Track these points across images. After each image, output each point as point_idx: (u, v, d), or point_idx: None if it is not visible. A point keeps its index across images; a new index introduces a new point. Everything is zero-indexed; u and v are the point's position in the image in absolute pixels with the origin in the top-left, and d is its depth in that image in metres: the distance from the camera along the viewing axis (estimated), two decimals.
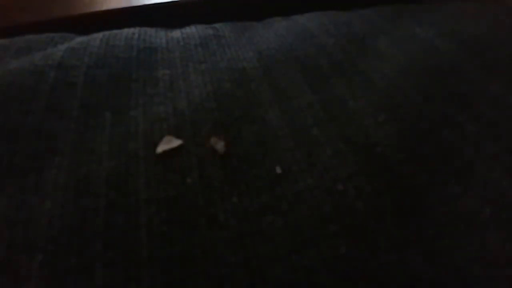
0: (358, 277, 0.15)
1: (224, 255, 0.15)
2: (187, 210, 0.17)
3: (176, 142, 0.20)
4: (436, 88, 0.24)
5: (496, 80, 0.25)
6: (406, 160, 0.19)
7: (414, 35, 0.30)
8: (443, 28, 0.31)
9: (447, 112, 0.22)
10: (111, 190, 0.17)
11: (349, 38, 0.29)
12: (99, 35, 0.28)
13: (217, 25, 0.31)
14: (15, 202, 0.16)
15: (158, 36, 0.29)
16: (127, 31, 0.29)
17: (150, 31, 0.30)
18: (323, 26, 0.31)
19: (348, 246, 0.16)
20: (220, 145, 0.19)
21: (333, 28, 0.31)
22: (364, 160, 0.19)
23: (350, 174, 0.18)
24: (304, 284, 0.15)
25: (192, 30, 0.30)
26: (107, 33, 0.28)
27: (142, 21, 0.31)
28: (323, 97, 0.23)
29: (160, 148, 0.19)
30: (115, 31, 0.29)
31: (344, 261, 0.15)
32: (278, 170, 0.19)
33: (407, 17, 0.33)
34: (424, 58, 0.27)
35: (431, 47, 0.29)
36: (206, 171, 0.18)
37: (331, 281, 0.15)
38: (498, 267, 0.15)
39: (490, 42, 0.29)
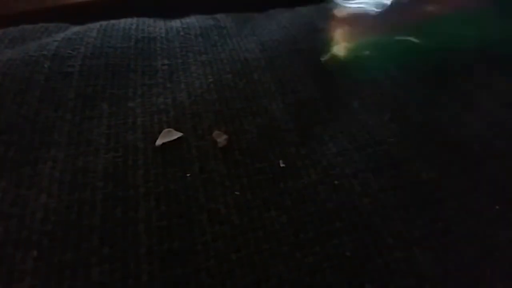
0: (364, 275, 0.14)
1: (225, 251, 0.15)
2: (187, 204, 0.16)
3: (176, 135, 0.19)
4: (442, 87, 0.24)
5: (502, 78, 0.25)
6: (413, 157, 0.19)
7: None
8: None
9: (454, 111, 0.22)
10: (109, 183, 0.17)
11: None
12: (95, 25, 0.27)
13: (218, 16, 0.30)
14: (9, 196, 0.16)
15: (157, 26, 0.28)
16: (124, 21, 0.28)
17: (149, 21, 0.29)
18: (327, 20, 0.30)
19: (353, 243, 0.15)
20: (222, 138, 0.19)
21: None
22: (370, 157, 0.19)
23: (355, 171, 0.18)
24: (308, 282, 0.14)
25: (192, 20, 0.29)
26: (104, 23, 0.28)
27: (139, 11, 0.31)
28: (327, 95, 0.23)
29: (160, 141, 0.19)
30: (112, 21, 0.28)
31: (349, 259, 0.15)
32: (282, 164, 0.18)
33: None
34: (429, 54, 0.27)
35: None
36: (207, 165, 0.18)
37: (336, 279, 0.14)
38: (507, 264, 0.15)
39: (496, 39, 0.29)
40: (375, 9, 0.25)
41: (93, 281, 0.13)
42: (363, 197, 0.17)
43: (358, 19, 0.26)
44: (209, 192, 0.17)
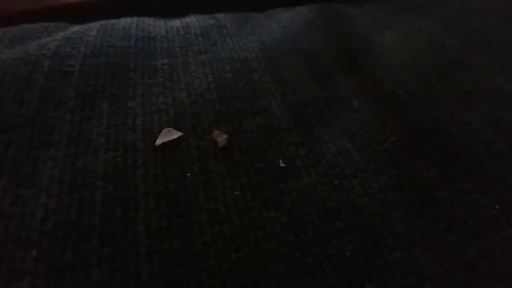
0: (364, 275, 0.14)
1: (225, 251, 0.15)
2: (187, 204, 0.16)
3: (176, 134, 0.19)
4: (443, 86, 0.24)
5: (504, 76, 0.25)
6: (413, 157, 0.19)
7: (419, 29, 0.30)
8: (449, 22, 0.30)
9: (454, 110, 0.22)
10: (108, 183, 0.17)
11: (354, 34, 0.29)
12: (95, 25, 0.27)
13: (218, 15, 0.30)
14: (9, 196, 0.16)
15: (157, 25, 0.28)
16: (124, 21, 0.28)
17: (148, 20, 0.29)
18: (327, 20, 0.30)
19: (353, 243, 0.15)
20: (222, 138, 0.19)
21: (338, 23, 0.30)
22: (370, 157, 0.19)
23: (355, 171, 0.18)
24: (308, 282, 0.14)
25: (192, 20, 0.29)
26: (104, 22, 0.28)
27: (139, 11, 0.31)
28: (327, 94, 0.23)
29: (159, 140, 0.19)
30: (112, 21, 0.28)
31: (349, 259, 0.15)
32: (282, 163, 0.18)
33: (413, 11, 0.33)
34: (430, 54, 0.27)
35: (437, 42, 0.28)
36: (207, 164, 0.18)
37: (336, 279, 0.14)
38: (507, 264, 0.15)
39: (497, 38, 0.29)
40: None
41: (93, 281, 0.13)
42: (363, 197, 0.17)
43: None
44: (209, 192, 0.17)
